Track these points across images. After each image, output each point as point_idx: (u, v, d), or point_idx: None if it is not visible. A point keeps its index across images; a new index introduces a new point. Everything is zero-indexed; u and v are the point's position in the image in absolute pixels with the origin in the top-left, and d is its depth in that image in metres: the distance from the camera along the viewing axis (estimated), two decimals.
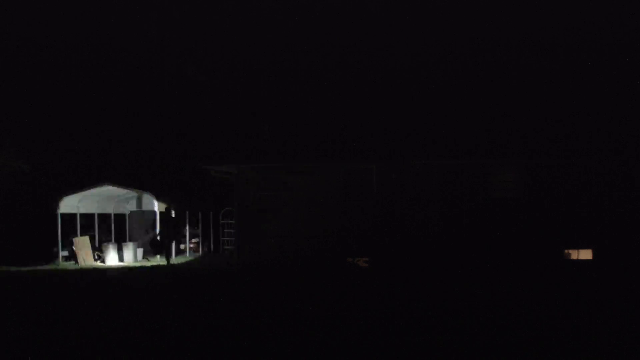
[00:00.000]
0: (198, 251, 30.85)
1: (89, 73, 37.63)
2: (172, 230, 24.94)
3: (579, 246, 21.69)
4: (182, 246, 30.24)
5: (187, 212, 30.08)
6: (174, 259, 25.61)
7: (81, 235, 26.97)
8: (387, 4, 35.86)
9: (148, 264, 25.17)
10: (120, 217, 30.71)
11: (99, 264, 26.17)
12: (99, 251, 26.97)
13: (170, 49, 38.56)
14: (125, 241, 28.49)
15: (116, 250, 26.65)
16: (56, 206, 26.03)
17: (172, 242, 25.18)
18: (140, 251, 28.07)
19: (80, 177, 32.34)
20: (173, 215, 25.28)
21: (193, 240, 30.97)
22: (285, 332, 10.80)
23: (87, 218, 29.32)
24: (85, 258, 25.91)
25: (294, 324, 11.59)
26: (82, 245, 26.16)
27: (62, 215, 26.38)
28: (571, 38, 30.48)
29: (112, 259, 26.26)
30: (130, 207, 30.80)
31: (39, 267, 24.60)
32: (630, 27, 29.51)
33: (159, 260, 26.31)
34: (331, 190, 22.13)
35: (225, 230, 30.41)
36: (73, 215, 27.50)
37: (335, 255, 21.68)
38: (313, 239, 21.84)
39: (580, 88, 26.25)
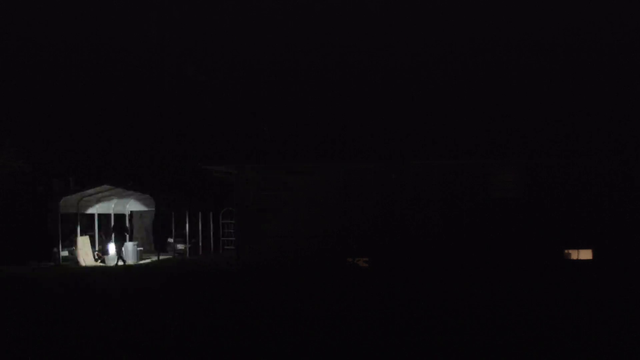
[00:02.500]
0: (198, 251, 30.84)
1: (89, 73, 37.59)
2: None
3: (579, 246, 21.69)
4: (180, 246, 30.21)
5: (187, 212, 30.07)
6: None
7: (81, 235, 26.98)
8: (387, 4, 35.84)
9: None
10: (120, 217, 30.71)
11: (99, 263, 26.18)
12: (99, 251, 26.98)
13: (170, 49, 38.54)
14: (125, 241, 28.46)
15: (116, 250, 26.64)
16: (56, 206, 26.01)
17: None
18: (137, 251, 28.07)
19: (80, 177, 32.31)
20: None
21: (192, 240, 30.95)
22: (285, 332, 10.80)
23: (87, 218, 29.32)
24: (85, 258, 25.92)
25: (294, 324, 11.59)
26: (82, 245, 26.17)
27: (62, 215, 26.37)
28: (571, 38, 30.45)
29: (112, 259, 26.28)
30: (130, 207, 30.80)
31: (39, 267, 24.60)
32: (630, 27, 29.49)
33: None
34: (331, 190, 22.13)
35: (225, 230, 30.39)
36: (73, 215, 27.49)
37: (335, 255, 21.68)
38: (313, 239, 21.84)
39: (580, 88, 26.22)
